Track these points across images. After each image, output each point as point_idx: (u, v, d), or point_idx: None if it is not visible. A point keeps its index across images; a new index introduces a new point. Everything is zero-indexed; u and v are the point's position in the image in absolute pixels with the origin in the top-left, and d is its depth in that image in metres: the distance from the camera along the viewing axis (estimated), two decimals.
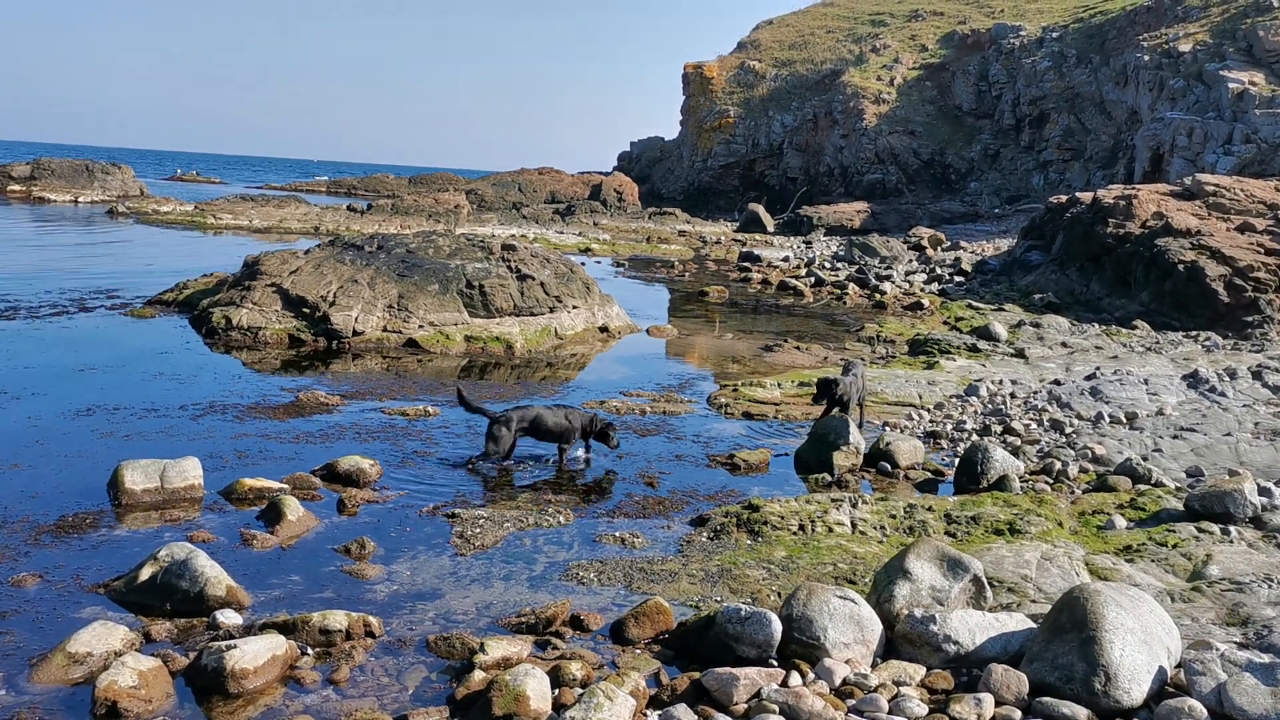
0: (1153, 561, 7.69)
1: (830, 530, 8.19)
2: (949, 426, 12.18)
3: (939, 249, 37.35)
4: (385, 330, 16.05)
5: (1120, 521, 8.63)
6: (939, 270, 31.07)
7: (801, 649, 5.90)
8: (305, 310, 16.10)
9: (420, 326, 16.22)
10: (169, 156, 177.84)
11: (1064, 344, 18.58)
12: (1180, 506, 8.88)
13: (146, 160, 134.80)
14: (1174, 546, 7.93)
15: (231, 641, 5.50)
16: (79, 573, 6.75)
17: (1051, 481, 9.92)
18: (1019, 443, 11.33)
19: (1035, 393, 13.89)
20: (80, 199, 49.18)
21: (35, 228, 35.84)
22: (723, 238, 45.37)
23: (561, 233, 42.69)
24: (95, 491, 8.30)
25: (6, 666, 5.47)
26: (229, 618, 6.10)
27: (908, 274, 30.67)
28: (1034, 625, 6.00)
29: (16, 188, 50.51)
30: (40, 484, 8.48)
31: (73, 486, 8.44)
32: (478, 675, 5.50)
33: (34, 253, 26.93)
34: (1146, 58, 45.25)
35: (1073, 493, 9.63)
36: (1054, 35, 55.80)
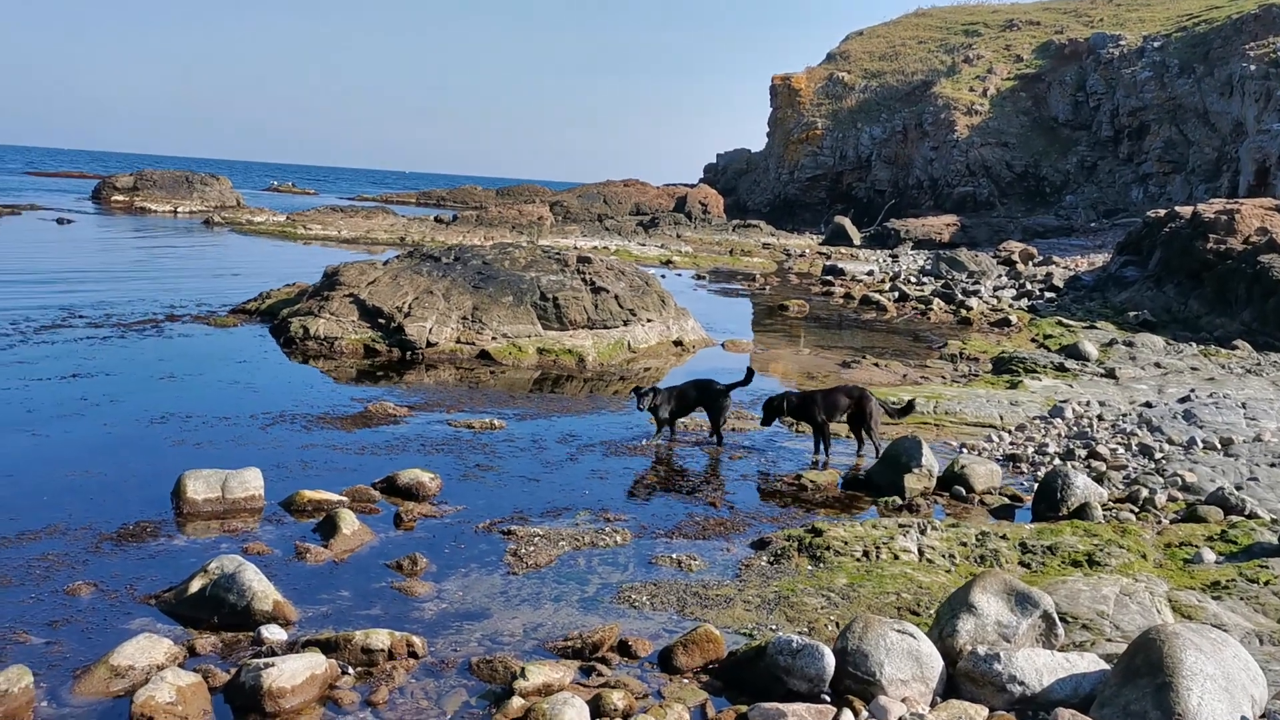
0: (1241, 599, 7.24)
1: (896, 557, 7.87)
2: (1030, 450, 11.73)
3: (1030, 264, 36.42)
4: (459, 341, 16.07)
5: (1209, 555, 8.16)
6: (1029, 286, 30.27)
7: (856, 685, 5.64)
8: (381, 321, 16.21)
9: (493, 338, 16.22)
10: (268, 168, 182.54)
11: (1158, 364, 17.86)
12: (1275, 540, 8.36)
13: (248, 172, 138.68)
14: (1266, 584, 7.45)
15: (270, 660, 5.42)
16: (133, 583, 6.77)
17: (1137, 510, 9.45)
18: (1104, 468, 10.84)
19: (1124, 415, 13.32)
20: (179, 209, 50.62)
21: (133, 237, 36.95)
22: (807, 251, 44.90)
23: (644, 245, 42.64)
24: (160, 500, 8.36)
25: (52, 678, 5.47)
26: (274, 633, 6.04)
27: (996, 289, 29.94)
28: (1107, 667, 5.65)
29: (120, 198, 52.24)
30: (108, 492, 8.58)
31: (139, 495, 8.52)
32: (516, 702, 5.34)
33: (128, 262, 27.71)
34: (1253, 67, 43.64)
35: (1159, 523, 9.15)
36: (1155, 45, 54.17)
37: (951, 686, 5.76)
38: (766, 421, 11.66)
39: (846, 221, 50.41)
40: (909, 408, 11.91)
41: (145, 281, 22.79)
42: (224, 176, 58.68)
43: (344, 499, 8.60)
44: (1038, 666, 5.64)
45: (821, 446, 11.32)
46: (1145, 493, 9.76)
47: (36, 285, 21.04)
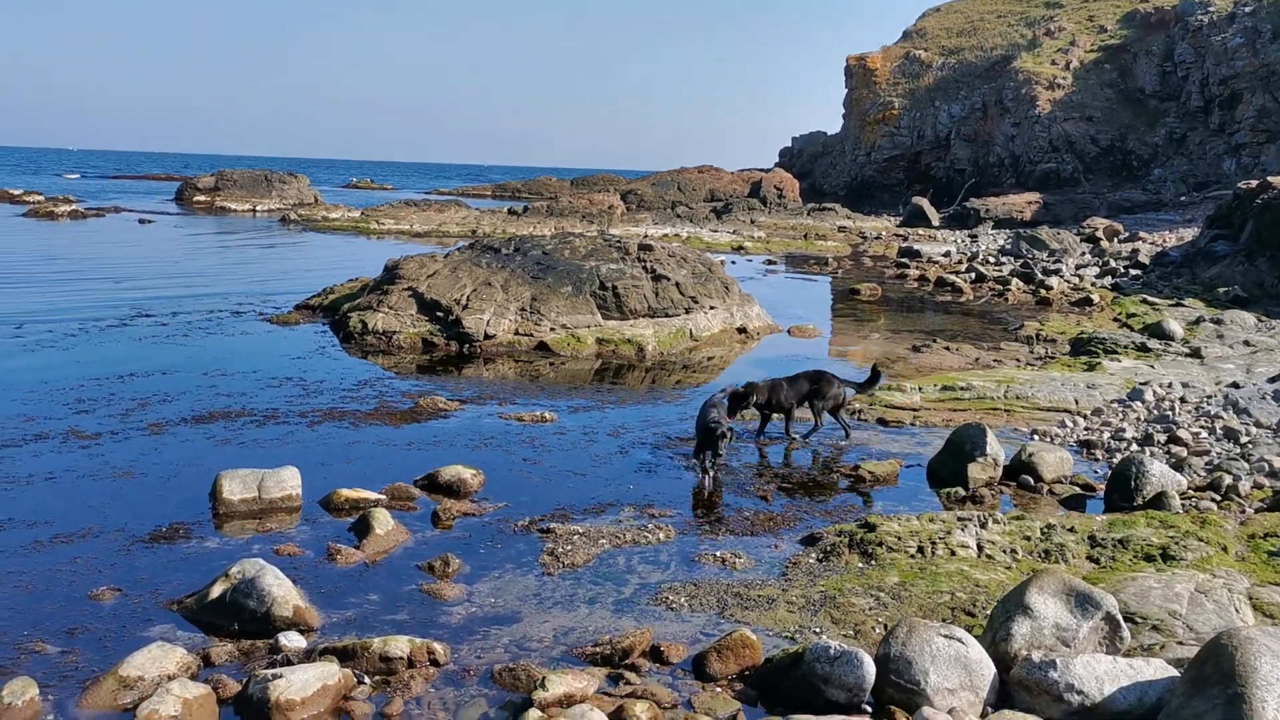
0: None
1: (952, 553, 7.42)
2: (1106, 435, 11.13)
3: (1115, 240, 35.15)
4: (517, 333, 15.87)
5: None
6: (1113, 263, 29.18)
7: (898, 694, 5.27)
8: (439, 314, 16.08)
9: (552, 329, 15.98)
10: (350, 165, 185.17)
11: (1246, 342, 16.96)
12: None
13: (332, 169, 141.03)
14: None
15: (279, 671, 5.22)
16: (158, 587, 6.63)
17: (1219, 499, 8.85)
18: (1185, 454, 10.21)
19: (1209, 397, 12.61)
20: (258, 208, 51.43)
21: (209, 236, 37.59)
22: (884, 233, 43.99)
23: (715, 231, 42.15)
24: (197, 501, 8.25)
25: (62, 689, 5.32)
26: (292, 640, 5.84)
27: (1078, 268, 28.92)
28: (1176, 673, 5.19)
29: (201, 198, 53.33)
30: (147, 492, 8.51)
31: (177, 495, 8.43)
32: (533, 715, 5.06)
33: (201, 260, 28.13)
34: None
35: (1243, 512, 8.55)
36: (1246, 10, 51.88)
37: (1004, 695, 5.35)
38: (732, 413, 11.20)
39: (924, 202, 49.30)
40: (874, 378, 11.44)
41: (215, 279, 23.09)
42: (302, 174, 59.52)
43: (382, 497, 8.42)
44: (1098, 674, 5.21)
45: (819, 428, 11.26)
46: (1228, 480, 9.15)
47: (110, 284, 21.41)
